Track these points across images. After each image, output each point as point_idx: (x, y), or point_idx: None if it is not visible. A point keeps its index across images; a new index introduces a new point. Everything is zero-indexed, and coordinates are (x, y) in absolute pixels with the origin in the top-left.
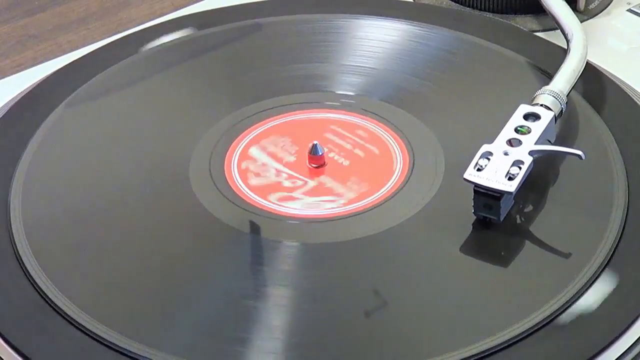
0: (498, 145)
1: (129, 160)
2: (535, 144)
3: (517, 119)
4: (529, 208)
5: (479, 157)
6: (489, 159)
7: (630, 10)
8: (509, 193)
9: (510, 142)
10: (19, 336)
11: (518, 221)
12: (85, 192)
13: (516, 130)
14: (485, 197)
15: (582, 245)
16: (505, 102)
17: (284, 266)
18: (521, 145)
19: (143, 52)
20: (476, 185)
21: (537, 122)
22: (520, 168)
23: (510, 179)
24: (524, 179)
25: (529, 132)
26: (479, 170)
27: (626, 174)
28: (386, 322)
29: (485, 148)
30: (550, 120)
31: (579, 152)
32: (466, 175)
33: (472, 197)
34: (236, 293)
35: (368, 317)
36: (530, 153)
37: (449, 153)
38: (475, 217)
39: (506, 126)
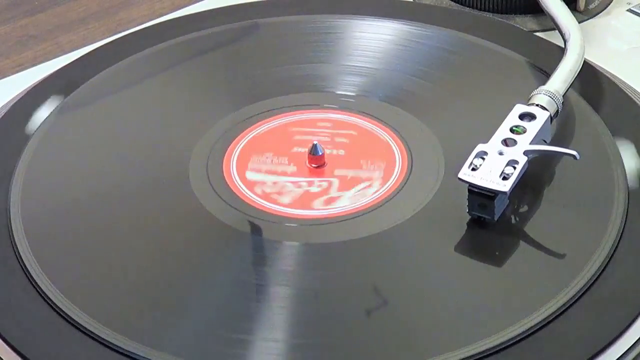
0: (493, 144)
1: (129, 160)
2: (531, 143)
3: (512, 119)
4: (531, 208)
5: (473, 156)
6: (483, 159)
7: (630, 10)
8: (503, 193)
9: (505, 142)
10: (18, 336)
11: (519, 221)
12: (85, 192)
13: (511, 130)
14: (480, 196)
15: (583, 245)
16: (505, 102)
17: (283, 266)
18: (516, 145)
19: (143, 52)
20: (470, 184)
21: (533, 122)
22: (514, 168)
23: (504, 178)
24: (518, 178)
25: (524, 132)
26: (473, 169)
27: (625, 174)
28: (386, 321)
29: (480, 148)
30: (546, 120)
31: (574, 152)
32: (460, 175)
33: (467, 197)
34: (236, 293)
35: (368, 318)
36: (525, 153)
37: (448, 153)
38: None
39: (501, 126)
